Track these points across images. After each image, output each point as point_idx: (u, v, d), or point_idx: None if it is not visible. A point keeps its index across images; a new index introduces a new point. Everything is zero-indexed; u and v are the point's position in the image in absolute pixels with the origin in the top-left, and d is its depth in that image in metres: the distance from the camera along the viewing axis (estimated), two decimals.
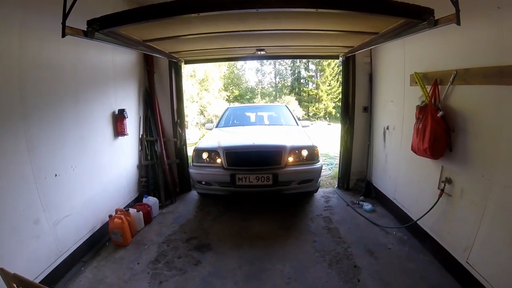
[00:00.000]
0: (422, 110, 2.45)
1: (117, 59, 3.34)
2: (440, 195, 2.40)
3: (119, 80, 3.45)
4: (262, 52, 3.58)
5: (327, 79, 23.30)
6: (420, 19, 1.74)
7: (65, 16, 1.63)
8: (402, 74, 3.03)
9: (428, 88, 2.49)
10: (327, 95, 23.36)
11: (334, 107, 22.95)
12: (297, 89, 25.24)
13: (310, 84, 25.43)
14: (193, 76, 14.90)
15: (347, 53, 3.63)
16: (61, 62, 2.47)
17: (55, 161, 2.38)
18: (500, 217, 1.89)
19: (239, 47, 3.51)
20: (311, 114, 23.53)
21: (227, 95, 20.22)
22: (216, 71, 17.01)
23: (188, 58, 4.18)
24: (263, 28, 2.46)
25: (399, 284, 2.25)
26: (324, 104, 23.50)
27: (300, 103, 23.11)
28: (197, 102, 15.22)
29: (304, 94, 24.88)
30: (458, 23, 1.55)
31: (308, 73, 25.38)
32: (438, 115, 2.27)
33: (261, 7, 1.62)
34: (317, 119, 22.14)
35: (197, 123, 15.47)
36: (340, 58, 4.00)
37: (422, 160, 2.58)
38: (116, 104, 3.31)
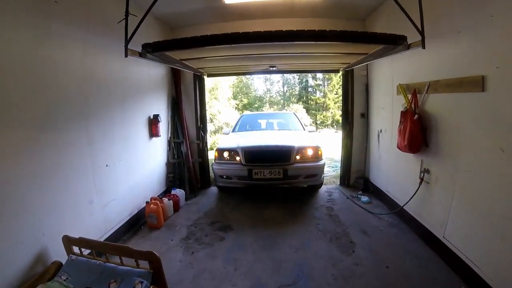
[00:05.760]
0: (403, 115, 3.00)
1: (151, 72, 3.97)
2: (420, 183, 2.86)
3: (153, 89, 4.08)
4: (274, 68, 4.23)
5: (334, 87, 23.31)
6: (396, 44, 2.30)
7: (127, 41, 2.14)
8: (391, 86, 3.55)
9: (409, 96, 2.99)
10: (334, 103, 23.37)
11: (341, 115, 22.79)
12: (304, 98, 25.45)
13: (318, 92, 25.58)
14: None
15: (346, 68, 4.22)
16: (111, 75, 2.99)
17: (107, 154, 2.91)
18: (464, 197, 2.33)
19: (255, 64, 4.14)
20: (318, 122, 23.58)
21: (236, 104, 20.62)
22: (225, 80, 17.49)
23: (211, 72, 4.81)
24: (275, 52, 3.08)
25: (387, 254, 2.69)
26: (332, 112, 23.55)
27: (308, 111, 23.31)
28: (207, 110, 15.79)
29: (312, 103, 25.04)
30: (423, 47, 2.08)
31: (316, 82, 25.42)
32: (414, 118, 2.80)
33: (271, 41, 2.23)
34: (325, 127, 22.41)
35: (208, 130, 16.07)
36: (341, 72, 4.56)
37: (406, 156, 3.07)
38: (151, 110, 3.93)
